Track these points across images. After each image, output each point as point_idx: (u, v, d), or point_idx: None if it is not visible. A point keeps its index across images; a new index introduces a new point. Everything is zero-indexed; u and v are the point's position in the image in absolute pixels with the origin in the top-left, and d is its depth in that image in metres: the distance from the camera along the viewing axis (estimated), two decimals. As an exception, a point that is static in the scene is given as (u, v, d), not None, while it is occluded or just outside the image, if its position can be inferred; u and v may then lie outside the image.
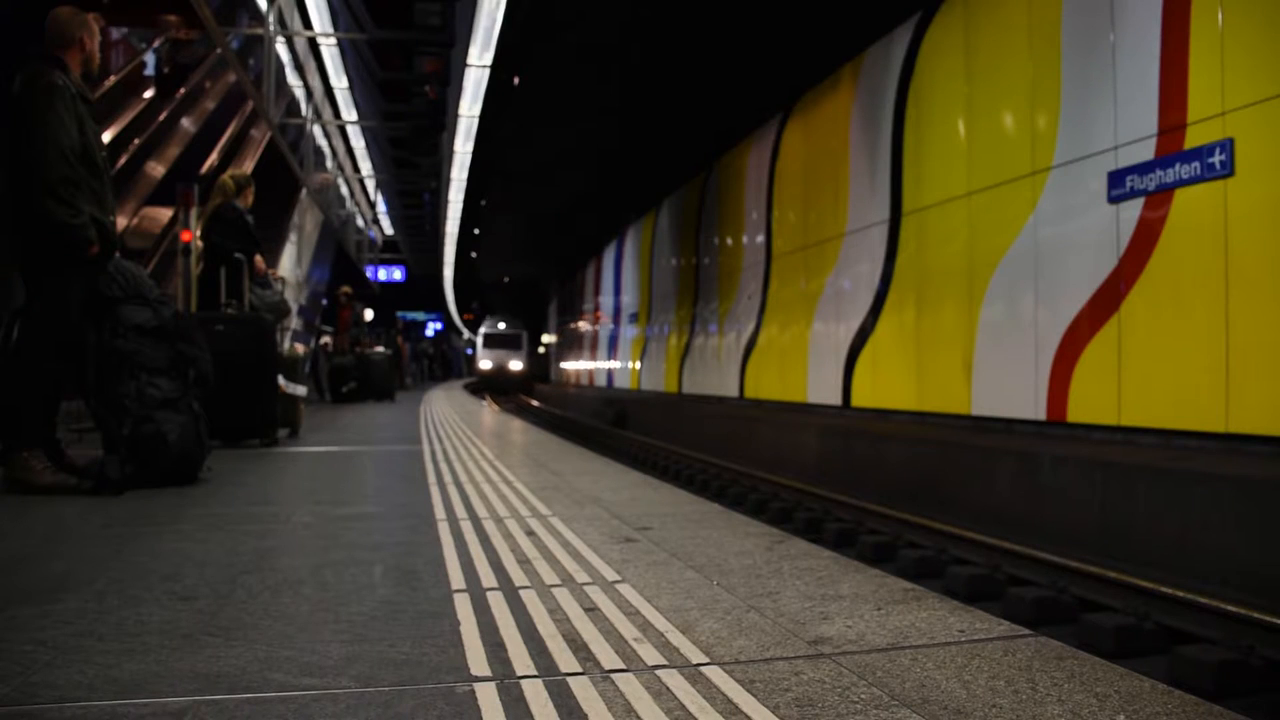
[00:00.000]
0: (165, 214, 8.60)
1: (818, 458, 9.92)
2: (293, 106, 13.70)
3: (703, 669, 1.62)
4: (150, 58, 8.39)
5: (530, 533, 2.90)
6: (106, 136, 6.91)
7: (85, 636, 1.77)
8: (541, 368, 43.68)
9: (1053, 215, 8.04)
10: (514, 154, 18.96)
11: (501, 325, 42.61)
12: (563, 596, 2.11)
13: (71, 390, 4.12)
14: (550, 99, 15.44)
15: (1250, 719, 1.76)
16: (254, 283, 6.42)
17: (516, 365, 41.27)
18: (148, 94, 7.96)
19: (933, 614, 1.98)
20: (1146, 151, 6.98)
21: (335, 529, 2.99)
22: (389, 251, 33.11)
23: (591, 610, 1.99)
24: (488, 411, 12.51)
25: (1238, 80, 6.29)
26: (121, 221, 6.25)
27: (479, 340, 43.72)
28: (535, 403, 31.48)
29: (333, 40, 13.97)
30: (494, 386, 37.00)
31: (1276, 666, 3.71)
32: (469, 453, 5.69)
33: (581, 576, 2.31)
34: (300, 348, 12.20)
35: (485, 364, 41.78)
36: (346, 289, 15.42)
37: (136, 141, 8.04)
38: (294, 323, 13.25)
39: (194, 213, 6.29)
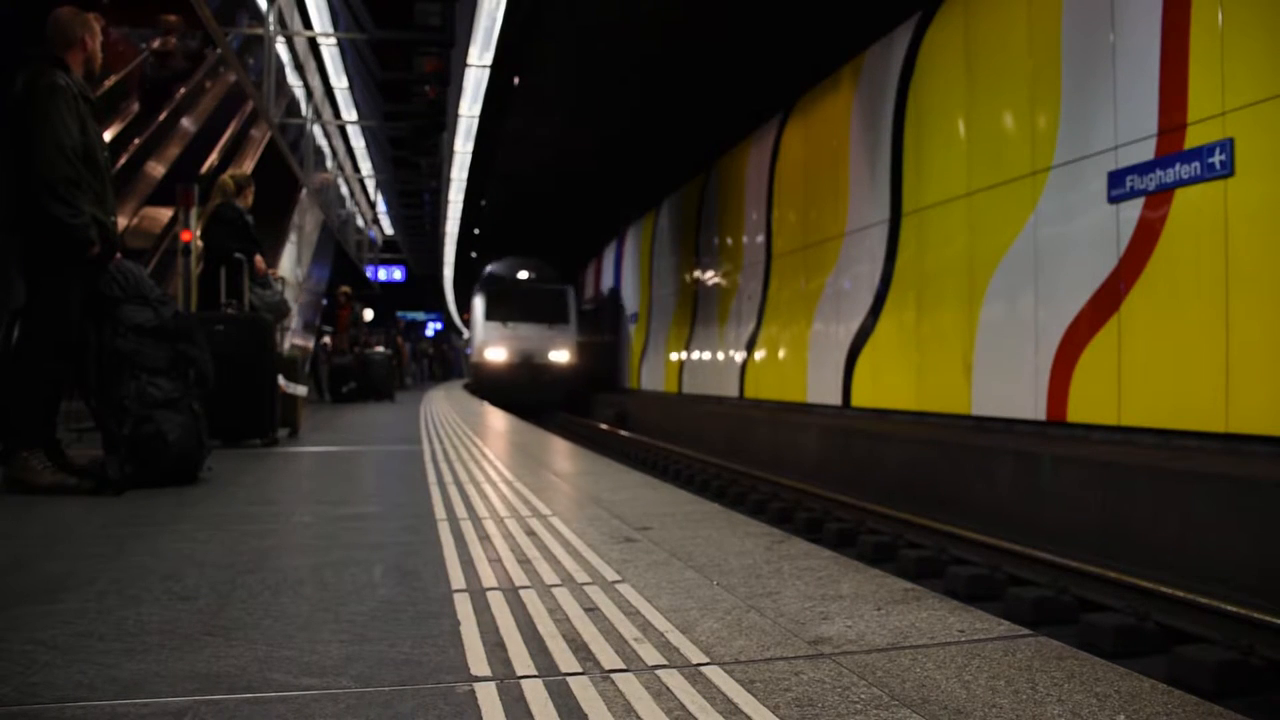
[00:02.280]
0: (165, 214, 8.59)
1: (817, 458, 9.93)
2: (293, 106, 13.69)
3: (703, 669, 1.62)
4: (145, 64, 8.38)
5: (530, 532, 2.89)
6: (106, 136, 6.90)
7: (85, 636, 1.77)
8: (607, 360, 24.86)
9: (1053, 215, 8.05)
10: (514, 154, 18.96)
11: (525, 274, 22.34)
12: (563, 596, 2.11)
13: (71, 390, 4.12)
14: (550, 99, 15.45)
15: (1250, 719, 1.76)
16: (254, 283, 6.42)
17: (560, 355, 21.32)
18: (135, 107, 7.97)
19: (933, 614, 1.98)
20: (1146, 151, 6.99)
21: (335, 529, 2.99)
22: (389, 251, 33.03)
23: (591, 610, 1.99)
24: (488, 411, 12.49)
25: (1238, 80, 6.29)
26: (121, 221, 6.24)
27: (478, 303, 22.32)
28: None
29: (333, 40, 13.97)
30: (512, 395, 19.05)
31: (1276, 666, 3.71)
32: (469, 452, 5.68)
33: (581, 576, 2.31)
34: (298, 344, 12.19)
35: (495, 353, 21.04)
36: (346, 289, 15.43)
37: (136, 141, 8.03)
38: (294, 322, 13.23)
39: (194, 213, 6.29)
